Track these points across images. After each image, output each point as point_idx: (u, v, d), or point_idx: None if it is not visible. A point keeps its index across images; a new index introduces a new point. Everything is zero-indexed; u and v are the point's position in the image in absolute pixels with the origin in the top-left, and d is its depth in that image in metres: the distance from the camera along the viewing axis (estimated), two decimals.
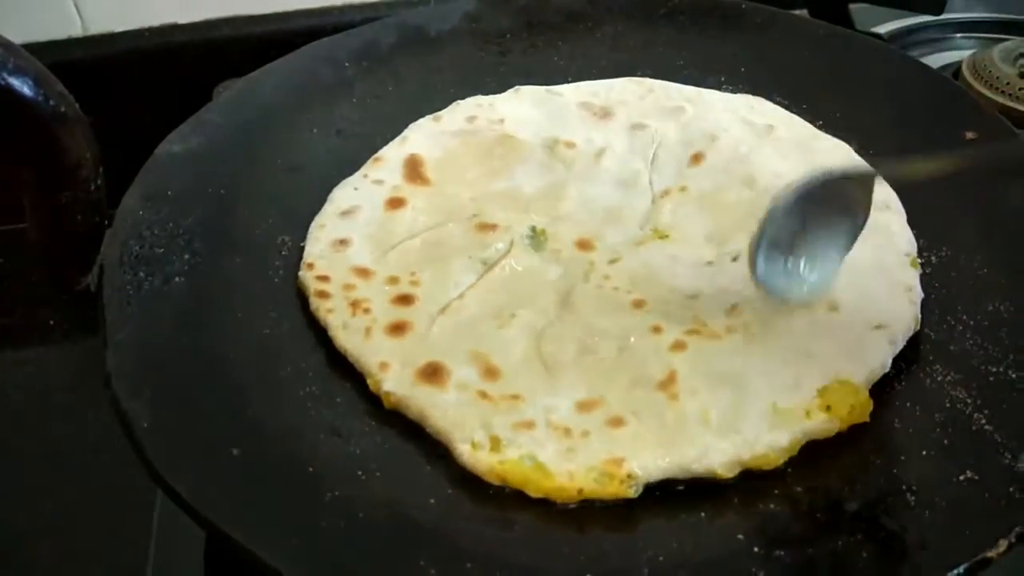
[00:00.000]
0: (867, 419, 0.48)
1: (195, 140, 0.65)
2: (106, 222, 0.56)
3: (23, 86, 0.47)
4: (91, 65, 0.86)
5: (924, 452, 0.46)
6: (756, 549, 0.43)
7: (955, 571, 0.40)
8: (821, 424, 0.47)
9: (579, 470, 0.46)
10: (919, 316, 0.53)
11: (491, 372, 0.51)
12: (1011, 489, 0.43)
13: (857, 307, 0.52)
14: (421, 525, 0.45)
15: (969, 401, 0.49)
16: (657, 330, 0.52)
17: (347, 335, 0.53)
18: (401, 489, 0.47)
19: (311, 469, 0.47)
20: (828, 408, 0.48)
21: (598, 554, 0.43)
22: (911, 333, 0.52)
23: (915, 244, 0.57)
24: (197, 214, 0.60)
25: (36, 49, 0.85)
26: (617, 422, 0.48)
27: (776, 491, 0.46)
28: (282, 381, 0.52)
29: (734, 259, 0.56)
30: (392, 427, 0.50)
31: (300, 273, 0.58)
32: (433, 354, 0.52)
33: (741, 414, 0.47)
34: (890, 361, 0.50)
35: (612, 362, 0.51)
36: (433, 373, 0.51)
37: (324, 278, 0.56)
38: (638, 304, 0.54)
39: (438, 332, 0.53)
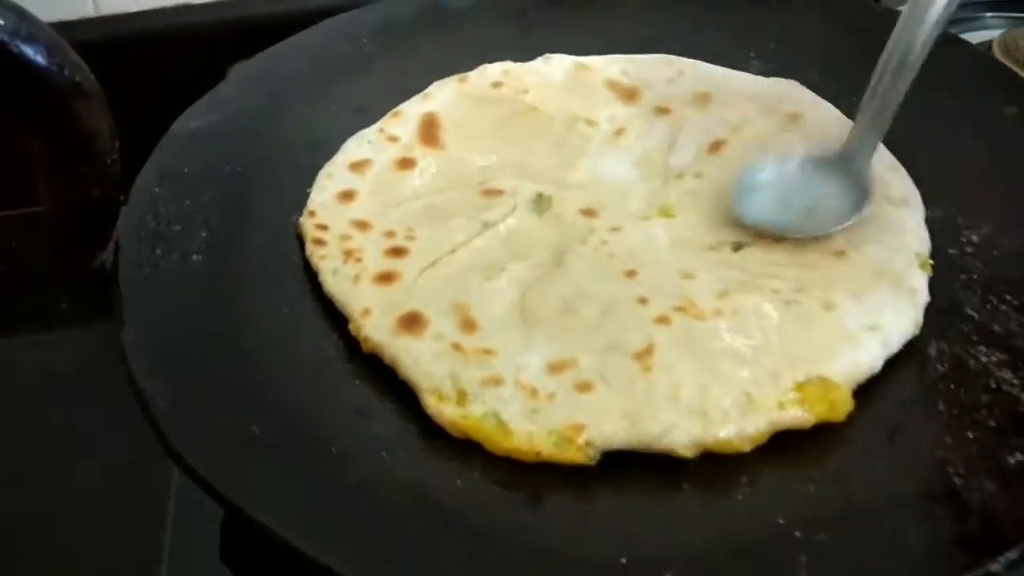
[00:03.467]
0: (843, 418, 0.46)
1: (212, 117, 0.64)
2: (122, 198, 0.55)
3: (36, 55, 0.45)
4: (104, 46, 0.84)
5: (970, 434, 0.45)
6: (797, 534, 0.41)
7: (1007, 555, 0.39)
8: (793, 418, 0.46)
9: (540, 432, 0.46)
10: (920, 320, 0.51)
11: (469, 324, 0.51)
12: None
13: (854, 306, 0.50)
14: (448, 508, 0.43)
15: (1016, 382, 0.47)
16: (643, 301, 0.51)
17: (336, 280, 0.54)
18: (427, 471, 0.45)
19: (333, 450, 0.46)
20: (803, 403, 0.46)
21: (632, 537, 0.42)
22: (909, 337, 0.50)
23: (929, 244, 0.55)
24: (214, 191, 0.59)
25: None
26: (585, 387, 0.47)
27: (816, 475, 0.44)
28: (301, 360, 0.51)
29: (736, 248, 0.55)
30: (416, 407, 0.48)
31: (301, 219, 0.58)
32: (416, 303, 0.52)
33: (712, 397, 0.46)
34: (881, 363, 0.49)
35: (592, 324, 0.50)
36: (412, 321, 0.51)
37: (323, 227, 0.57)
38: (630, 274, 0.53)
39: (425, 283, 0.54)
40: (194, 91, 0.66)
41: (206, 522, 0.55)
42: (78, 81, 0.47)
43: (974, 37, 0.88)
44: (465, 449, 0.46)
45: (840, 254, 0.54)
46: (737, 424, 0.45)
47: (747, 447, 0.46)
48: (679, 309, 0.51)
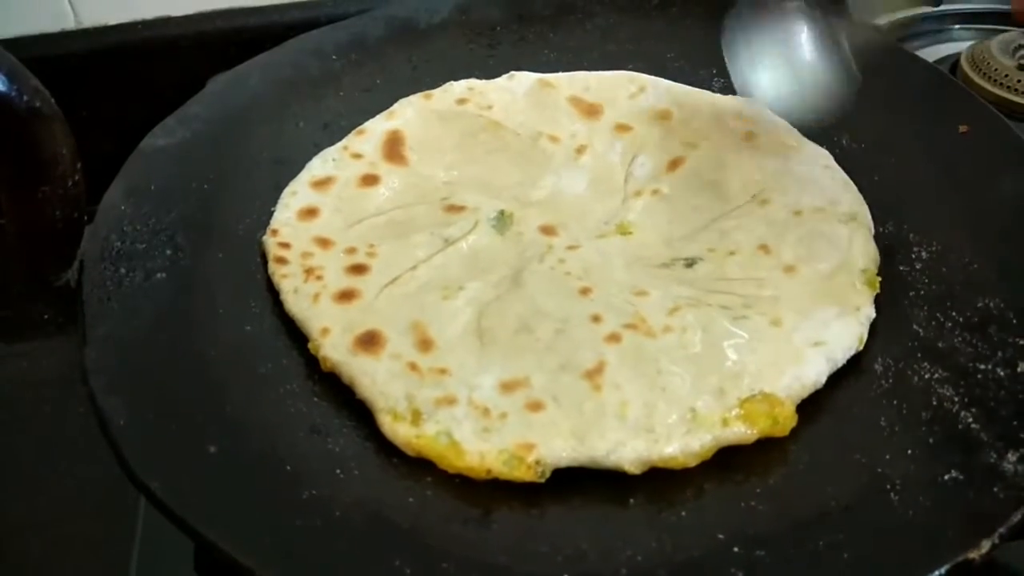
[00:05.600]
0: (787, 433, 0.47)
1: (180, 134, 0.64)
2: (86, 217, 0.55)
3: None
4: (85, 58, 0.85)
5: (909, 451, 0.46)
6: (736, 549, 0.42)
7: (936, 572, 0.40)
8: (737, 434, 0.47)
9: (491, 451, 0.47)
10: (865, 336, 0.52)
11: (426, 343, 0.52)
12: (995, 489, 0.43)
13: (801, 322, 0.51)
14: (398, 525, 0.44)
15: (956, 399, 0.48)
16: (597, 319, 0.52)
17: (296, 299, 0.55)
18: (379, 488, 0.46)
19: (289, 467, 0.46)
20: (747, 419, 0.47)
21: (576, 554, 0.43)
22: (853, 352, 0.51)
23: (877, 261, 0.56)
24: (180, 209, 0.60)
25: (29, 42, 0.85)
26: (536, 406, 0.48)
27: (757, 489, 0.45)
28: (262, 378, 0.51)
29: (689, 264, 0.56)
30: (374, 424, 0.49)
31: (263, 237, 0.59)
32: (374, 322, 0.53)
33: (658, 414, 0.47)
34: (825, 379, 0.50)
35: (546, 344, 0.51)
36: (370, 340, 0.52)
37: (285, 245, 0.58)
38: (584, 291, 0.54)
39: (384, 301, 0.54)
40: (176, 103, 0.67)
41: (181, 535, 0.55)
42: (38, 107, 0.48)
43: (943, 50, 0.89)
44: (419, 467, 0.47)
45: (790, 269, 0.55)
46: (682, 441, 0.46)
47: (692, 463, 0.47)
48: (630, 326, 0.52)
